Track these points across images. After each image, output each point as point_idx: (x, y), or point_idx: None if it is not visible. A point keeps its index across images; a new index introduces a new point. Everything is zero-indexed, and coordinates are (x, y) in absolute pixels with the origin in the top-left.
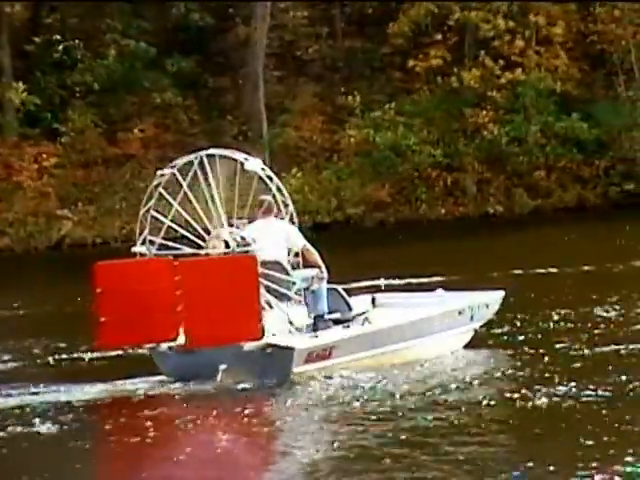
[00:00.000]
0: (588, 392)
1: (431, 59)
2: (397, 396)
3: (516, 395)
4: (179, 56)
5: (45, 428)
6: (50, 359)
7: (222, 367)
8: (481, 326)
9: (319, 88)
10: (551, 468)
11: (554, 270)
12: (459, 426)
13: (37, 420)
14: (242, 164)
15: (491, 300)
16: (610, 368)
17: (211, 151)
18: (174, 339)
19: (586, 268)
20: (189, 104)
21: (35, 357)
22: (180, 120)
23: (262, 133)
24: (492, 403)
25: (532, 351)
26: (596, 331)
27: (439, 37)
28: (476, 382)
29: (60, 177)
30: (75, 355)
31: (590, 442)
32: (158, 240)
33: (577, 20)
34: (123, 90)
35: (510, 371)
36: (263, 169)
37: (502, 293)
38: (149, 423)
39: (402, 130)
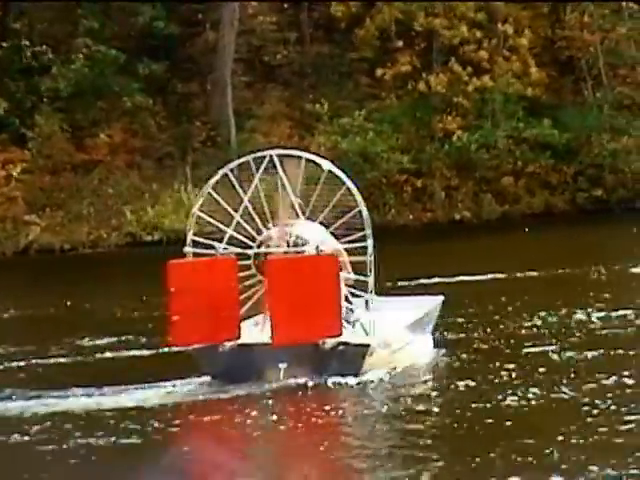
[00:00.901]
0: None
1: (399, 65)
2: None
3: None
4: (148, 61)
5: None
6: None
7: (283, 366)
8: None
9: (287, 94)
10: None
11: (501, 275)
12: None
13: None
14: (319, 165)
15: (439, 305)
16: (564, 372)
17: (280, 151)
18: (237, 338)
19: (534, 273)
20: (157, 110)
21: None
22: (148, 125)
23: (230, 139)
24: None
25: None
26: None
27: (407, 43)
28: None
29: (28, 183)
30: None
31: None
32: (218, 243)
33: (545, 26)
34: (91, 96)
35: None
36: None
37: (442, 298)
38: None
39: (370, 136)
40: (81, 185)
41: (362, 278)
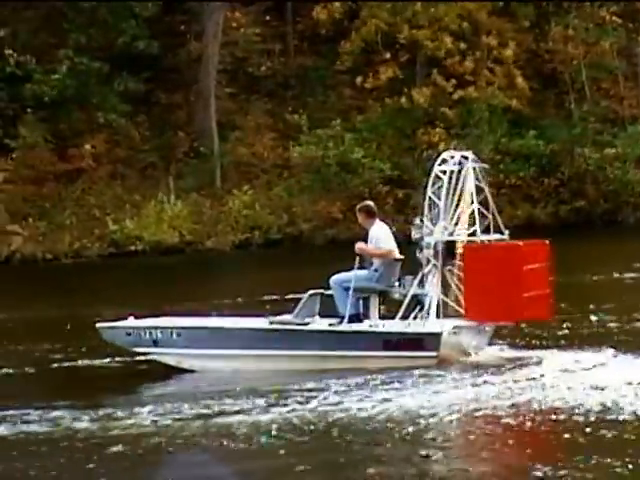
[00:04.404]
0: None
1: (382, 76)
2: None
3: None
4: (131, 72)
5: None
6: None
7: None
8: None
9: (271, 105)
10: None
11: None
12: None
13: None
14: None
15: None
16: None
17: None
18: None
19: None
20: (140, 120)
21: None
22: (131, 136)
23: (213, 149)
24: None
25: None
26: None
27: (391, 55)
28: None
29: (10, 192)
30: None
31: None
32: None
33: (529, 39)
34: (74, 106)
35: None
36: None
37: None
38: None
39: (353, 148)
40: (64, 195)
41: None
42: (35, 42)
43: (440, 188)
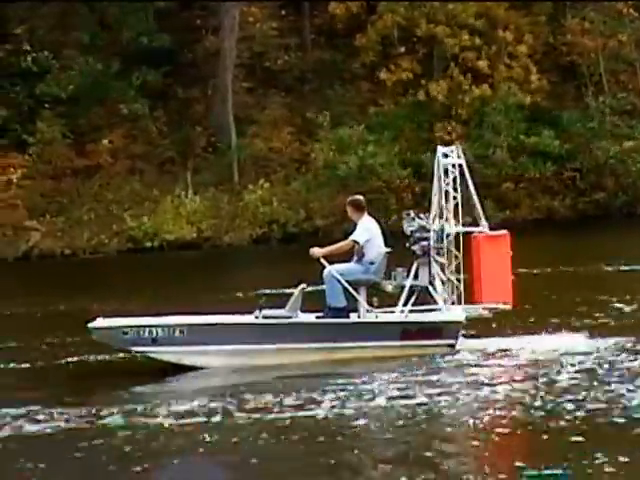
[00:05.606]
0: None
1: (400, 71)
2: None
3: None
4: (149, 67)
5: None
6: None
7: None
8: None
9: (288, 99)
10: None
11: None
12: None
13: None
14: None
15: None
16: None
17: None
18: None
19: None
20: (158, 115)
21: None
22: (149, 131)
23: (231, 144)
24: None
25: None
26: None
27: (408, 49)
28: None
29: (28, 188)
30: None
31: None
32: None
33: (546, 32)
34: (92, 101)
35: None
36: None
37: None
38: None
39: (370, 149)
40: (82, 191)
41: None
42: (51, 38)
43: (454, 180)
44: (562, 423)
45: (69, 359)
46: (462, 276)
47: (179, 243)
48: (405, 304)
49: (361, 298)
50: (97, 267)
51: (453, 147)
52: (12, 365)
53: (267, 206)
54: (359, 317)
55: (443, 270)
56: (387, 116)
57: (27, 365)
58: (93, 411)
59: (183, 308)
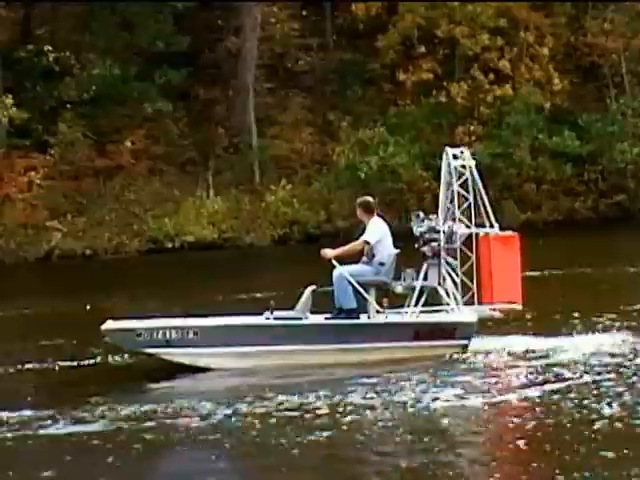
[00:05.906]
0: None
1: (421, 72)
2: None
3: None
4: (170, 67)
5: None
6: None
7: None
8: None
9: (309, 100)
10: None
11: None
12: None
13: None
14: None
15: None
16: None
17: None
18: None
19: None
20: (179, 115)
21: None
22: (170, 131)
23: (252, 145)
24: None
25: None
26: None
27: (429, 50)
28: None
29: (50, 188)
30: None
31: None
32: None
33: (567, 33)
34: (113, 102)
35: None
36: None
37: None
38: None
39: (391, 147)
40: (103, 191)
41: None
42: (73, 39)
43: (466, 182)
44: (590, 427)
45: (90, 361)
46: (475, 277)
47: (200, 244)
48: (415, 305)
49: (371, 299)
50: (118, 267)
51: (462, 148)
52: (31, 365)
53: (288, 207)
54: (369, 318)
55: (454, 271)
56: (407, 117)
57: (46, 365)
58: (107, 411)
59: (202, 310)
